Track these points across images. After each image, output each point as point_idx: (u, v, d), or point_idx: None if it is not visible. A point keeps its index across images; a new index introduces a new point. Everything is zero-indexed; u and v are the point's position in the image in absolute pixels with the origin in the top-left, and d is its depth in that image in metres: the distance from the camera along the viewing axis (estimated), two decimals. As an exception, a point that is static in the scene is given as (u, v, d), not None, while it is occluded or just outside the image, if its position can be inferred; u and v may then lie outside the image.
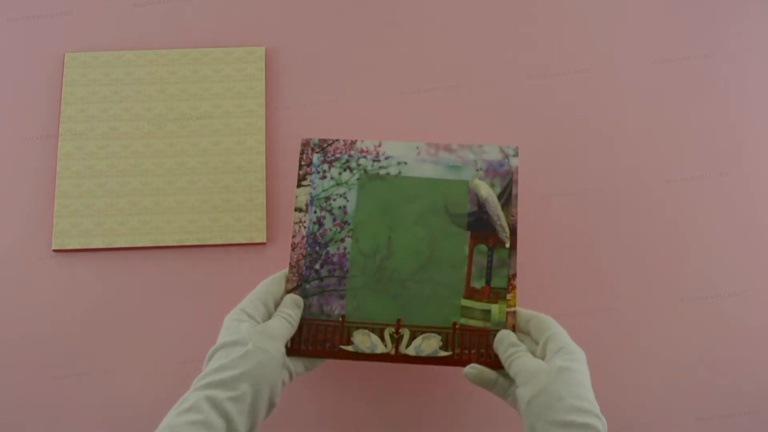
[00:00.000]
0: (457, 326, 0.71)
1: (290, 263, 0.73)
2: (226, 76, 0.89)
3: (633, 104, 0.90)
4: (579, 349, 0.66)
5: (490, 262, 0.73)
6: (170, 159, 0.86)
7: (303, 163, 0.76)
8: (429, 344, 0.70)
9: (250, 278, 0.82)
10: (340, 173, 0.75)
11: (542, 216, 0.86)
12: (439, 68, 0.91)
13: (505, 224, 0.73)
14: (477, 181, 0.74)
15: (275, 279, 0.72)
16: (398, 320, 0.71)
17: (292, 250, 0.74)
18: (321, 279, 0.73)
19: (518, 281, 0.82)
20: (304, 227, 0.74)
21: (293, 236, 0.74)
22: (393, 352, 0.70)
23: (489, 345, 0.70)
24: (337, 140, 0.76)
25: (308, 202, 0.75)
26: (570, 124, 0.89)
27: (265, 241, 0.84)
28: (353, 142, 0.76)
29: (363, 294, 0.72)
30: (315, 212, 0.74)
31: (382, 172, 0.75)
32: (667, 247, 0.85)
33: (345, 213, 0.74)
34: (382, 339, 0.71)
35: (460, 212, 0.74)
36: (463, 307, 0.72)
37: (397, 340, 0.71)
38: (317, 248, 0.74)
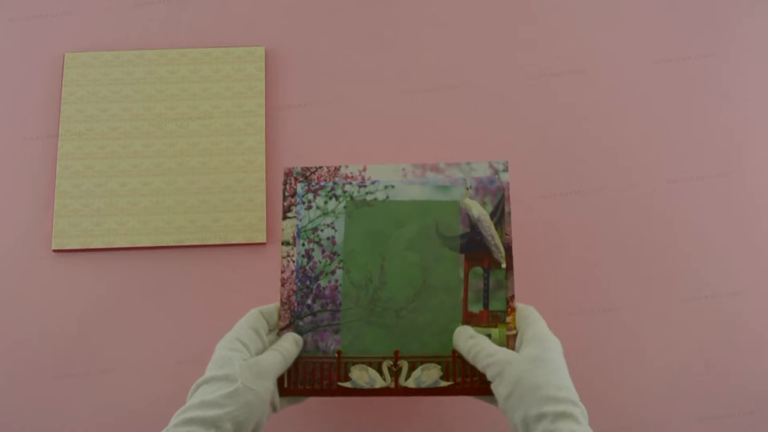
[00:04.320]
0: (457, 354, 0.67)
1: (281, 300, 0.70)
2: (225, 76, 0.89)
3: (633, 104, 0.90)
4: (555, 337, 0.65)
5: (486, 284, 0.69)
6: (170, 159, 0.86)
7: (287, 194, 0.72)
8: (429, 375, 0.67)
9: (250, 278, 0.83)
10: (325, 202, 0.72)
11: (541, 216, 0.86)
12: (439, 68, 0.91)
13: (499, 244, 0.70)
14: (468, 201, 0.71)
15: (269, 310, 0.69)
16: (396, 352, 0.68)
17: (282, 285, 0.70)
18: (314, 314, 0.70)
19: (518, 281, 0.81)
20: (293, 261, 0.71)
21: (282, 271, 0.71)
22: (393, 385, 0.67)
23: None
24: (321, 167, 0.72)
25: (295, 234, 0.71)
26: (570, 124, 0.89)
27: (265, 241, 0.84)
28: (337, 168, 0.72)
29: (358, 327, 0.69)
30: (303, 245, 0.71)
31: (369, 197, 0.71)
32: (666, 247, 0.85)
33: (334, 243, 0.71)
34: (381, 373, 0.68)
35: (452, 234, 0.70)
36: None
37: (396, 372, 0.68)
38: (308, 282, 0.70)
